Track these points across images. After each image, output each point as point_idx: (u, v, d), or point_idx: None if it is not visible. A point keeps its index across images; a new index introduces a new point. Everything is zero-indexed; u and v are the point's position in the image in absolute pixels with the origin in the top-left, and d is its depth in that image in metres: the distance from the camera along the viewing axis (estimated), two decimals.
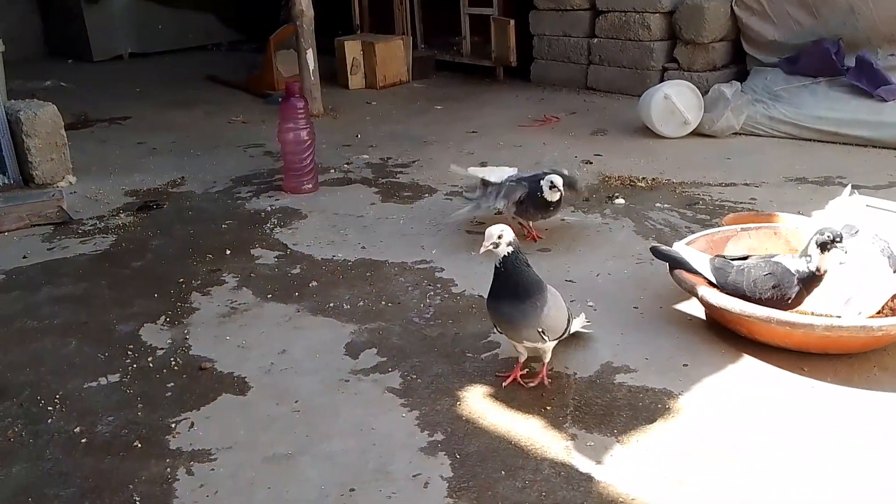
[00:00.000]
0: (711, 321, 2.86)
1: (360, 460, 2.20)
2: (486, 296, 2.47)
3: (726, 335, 2.76)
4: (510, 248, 2.33)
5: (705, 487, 2.06)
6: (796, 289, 2.60)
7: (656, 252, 2.94)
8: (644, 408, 2.39)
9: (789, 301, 2.61)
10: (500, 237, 2.31)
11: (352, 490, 2.09)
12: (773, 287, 2.61)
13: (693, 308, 2.95)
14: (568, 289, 3.17)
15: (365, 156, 5.09)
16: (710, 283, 2.74)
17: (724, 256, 2.84)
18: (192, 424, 2.38)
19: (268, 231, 3.88)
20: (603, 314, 2.97)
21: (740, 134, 5.17)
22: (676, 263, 2.83)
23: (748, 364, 2.62)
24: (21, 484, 2.13)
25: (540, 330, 2.40)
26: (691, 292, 2.74)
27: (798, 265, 2.61)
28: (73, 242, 3.79)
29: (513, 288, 2.36)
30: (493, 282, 2.40)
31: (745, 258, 2.78)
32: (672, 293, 3.03)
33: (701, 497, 2.03)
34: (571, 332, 2.62)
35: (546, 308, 2.38)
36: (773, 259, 2.69)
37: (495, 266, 2.36)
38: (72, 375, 2.65)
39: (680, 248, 2.88)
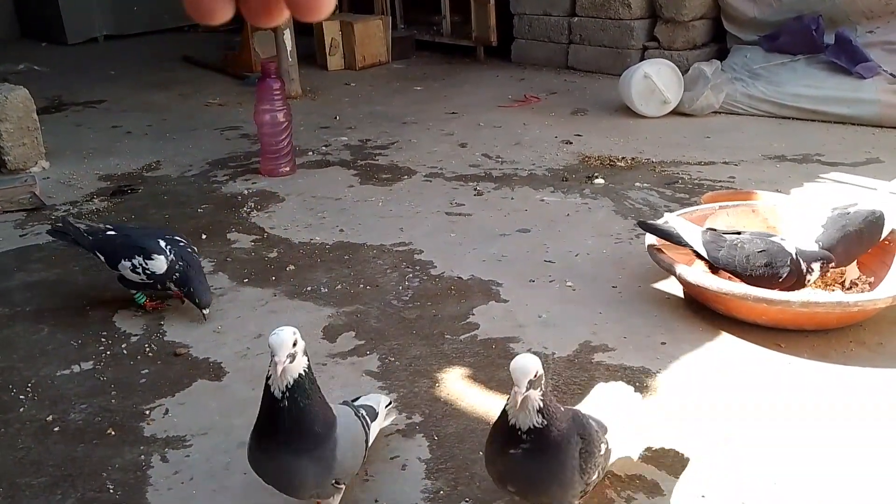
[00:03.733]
0: (690, 299, 2.86)
1: None
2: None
3: (704, 313, 2.76)
4: (305, 363, 1.69)
5: (681, 463, 2.06)
6: (787, 269, 2.59)
7: (644, 226, 2.91)
8: None
9: (780, 280, 2.60)
10: (294, 345, 1.65)
11: None
12: (766, 265, 2.60)
13: (671, 286, 2.95)
14: (547, 269, 3.16)
15: (343, 137, 5.04)
16: (699, 257, 2.73)
17: (715, 230, 2.82)
18: (167, 411, 2.36)
19: (244, 215, 3.84)
20: (581, 293, 2.97)
21: (720, 112, 5.16)
22: (665, 236, 2.80)
23: (726, 341, 2.62)
24: None
25: (335, 481, 1.80)
26: (669, 270, 2.74)
27: (801, 245, 2.62)
28: (46, 228, 3.73)
29: (299, 428, 1.68)
30: (262, 418, 1.73)
31: (738, 233, 2.76)
32: (650, 272, 3.03)
33: (676, 471, 2.03)
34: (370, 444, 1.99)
35: (342, 449, 1.76)
36: (769, 237, 2.69)
37: (271, 395, 1.68)
38: (44, 363, 2.61)
39: (672, 220, 2.84)
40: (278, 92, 4.21)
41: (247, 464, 2.04)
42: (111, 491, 2.03)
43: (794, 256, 2.59)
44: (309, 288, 3.08)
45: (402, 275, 3.17)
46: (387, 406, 2.14)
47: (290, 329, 1.66)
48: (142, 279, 2.81)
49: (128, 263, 2.79)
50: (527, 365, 1.64)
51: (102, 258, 2.85)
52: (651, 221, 2.93)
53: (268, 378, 1.69)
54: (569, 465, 1.71)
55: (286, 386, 1.66)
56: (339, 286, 3.09)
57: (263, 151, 4.33)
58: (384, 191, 4.11)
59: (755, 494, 1.95)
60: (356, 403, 2.01)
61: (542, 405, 1.66)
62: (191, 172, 4.47)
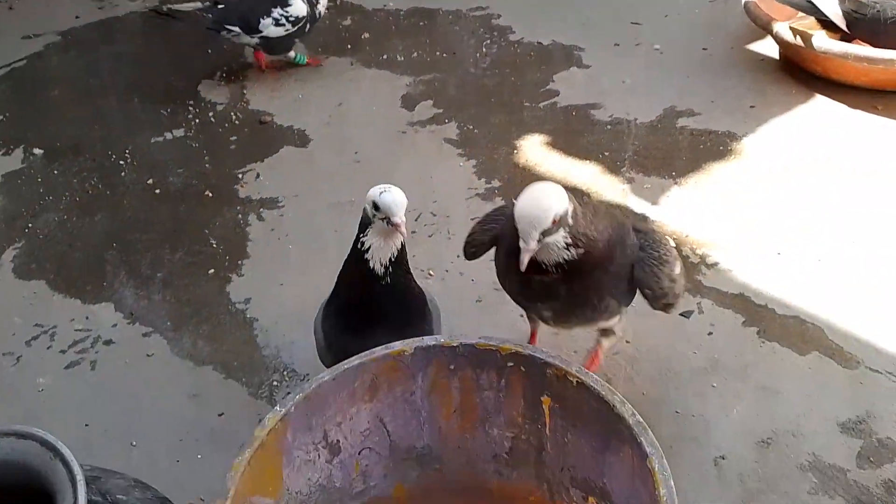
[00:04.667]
0: (785, 61, 2.71)
1: (421, 205, 2.25)
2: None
3: (799, 75, 2.63)
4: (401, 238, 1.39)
5: (762, 224, 2.07)
6: None
7: None
8: (705, 150, 2.36)
9: None
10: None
11: (413, 232, 2.16)
12: None
13: (767, 47, 2.79)
14: (633, 32, 3.02)
15: None
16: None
17: None
18: (258, 175, 2.46)
19: None
20: (669, 57, 2.85)
21: None
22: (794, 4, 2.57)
23: (820, 104, 2.51)
24: (105, 230, 2.28)
25: None
26: (766, 29, 2.57)
27: None
28: (124, 1, 3.72)
29: (400, 307, 1.44)
30: (351, 299, 1.46)
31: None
32: (746, 32, 2.86)
33: (755, 232, 2.04)
34: None
35: (436, 321, 1.54)
36: None
37: (369, 271, 1.40)
38: (138, 131, 2.72)
39: None
40: None
41: (338, 223, 2.16)
42: (214, 246, 2.19)
43: None
44: (385, 56, 3.04)
45: (479, 41, 3.08)
46: None
47: (395, 187, 1.37)
48: (287, 30, 2.79)
49: (269, 20, 2.76)
50: (534, 211, 1.24)
51: (238, 28, 2.79)
52: None
53: (364, 250, 1.39)
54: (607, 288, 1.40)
55: (390, 259, 1.39)
56: (415, 54, 3.04)
57: None
58: None
59: (832, 252, 1.96)
60: None
61: (571, 240, 1.30)
62: None
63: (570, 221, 1.28)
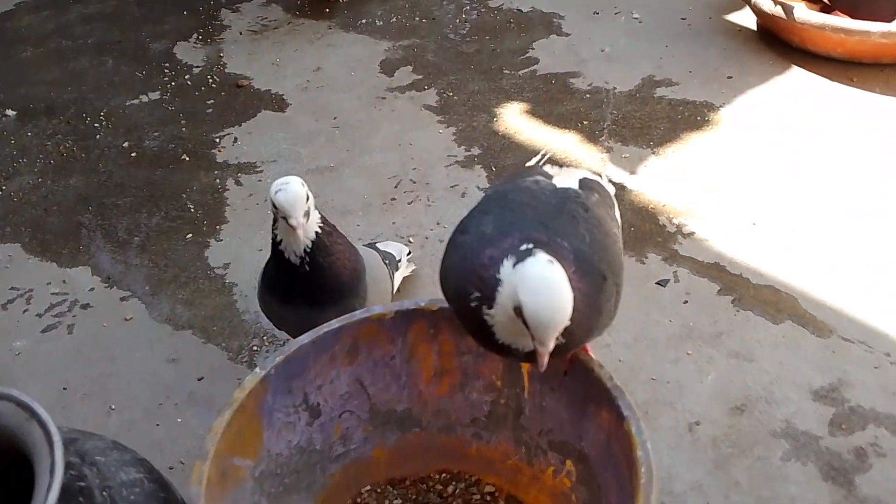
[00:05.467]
0: (763, 31, 2.72)
1: (401, 172, 2.25)
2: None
3: (777, 46, 2.64)
4: (318, 218, 1.38)
5: (738, 193, 2.09)
6: None
7: None
8: (683, 120, 2.37)
9: None
10: (307, 199, 1.33)
11: (392, 199, 2.16)
12: None
13: (745, 18, 2.80)
14: (611, 0, 3.01)
15: None
16: None
17: None
18: (236, 139, 2.44)
19: None
20: (648, 26, 2.84)
21: None
22: None
23: (796, 75, 2.53)
24: (81, 193, 2.25)
25: None
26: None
27: None
28: None
29: (324, 288, 1.41)
30: (278, 280, 1.45)
31: None
32: (723, 2, 2.87)
33: (731, 202, 2.07)
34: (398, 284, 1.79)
35: (371, 300, 1.48)
36: None
37: (286, 261, 1.39)
38: (113, 93, 2.68)
39: None
40: None
41: (318, 188, 2.13)
42: (192, 210, 2.17)
43: None
44: (364, 21, 3.01)
45: (458, 6, 3.05)
46: (408, 256, 1.86)
47: (296, 180, 1.31)
48: None
49: None
50: (555, 316, 0.95)
51: None
52: None
53: (277, 242, 1.37)
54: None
55: (304, 250, 1.36)
56: (394, 19, 3.01)
57: None
58: None
59: (806, 222, 1.99)
60: (378, 248, 1.75)
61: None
62: None
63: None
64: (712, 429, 1.53)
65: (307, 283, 1.39)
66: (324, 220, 1.39)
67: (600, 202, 1.21)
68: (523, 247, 0.99)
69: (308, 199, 1.32)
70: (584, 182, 1.25)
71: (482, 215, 1.12)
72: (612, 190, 1.34)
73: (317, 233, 1.36)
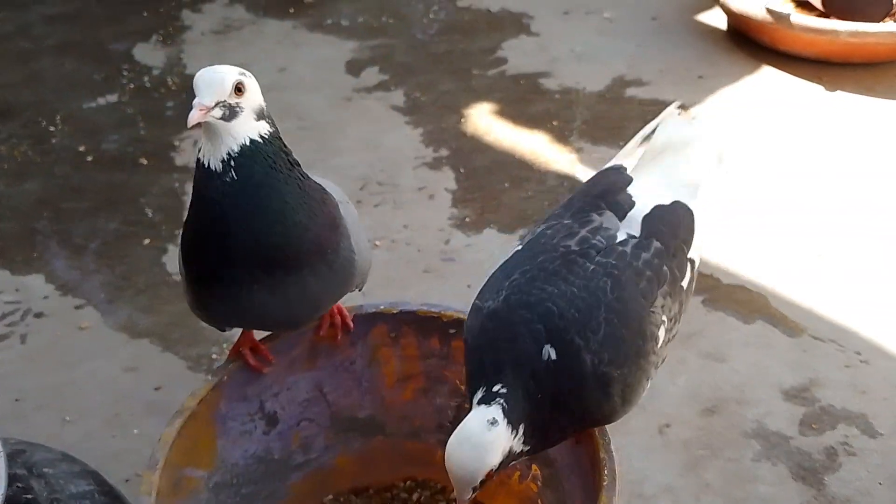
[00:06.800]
0: (733, 31, 2.72)
1: (368, 174, 2.21)
2: None
3: (747, 46, 2.64)
4: (266, 129, 1.00)
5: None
6: None
7: None
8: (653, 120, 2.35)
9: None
10: (239, 91, 0.96)
11: (359, 201, 2.11)
12: None
13: (715, 18, 2.80)
14: (582, 0, 2.99)
15: None
16: None
17: None
18: (196, 141, 2.37)
19: None
20: (619, 26, 2.83)
21: None
22: None
23: (767, 75, 2.53)
24: (37, 198, 2.18)
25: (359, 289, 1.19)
26: None
27: None
28: None
29: (271, 219, 0.99)
30: (198, 225, 1.03)
31: None
32: (694, 2, 2.86)
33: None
34: None
35: (357, 243, 1.12)
36: None
37: (205, 170, 0.98)
38: (71, 95, 2.60)
39: None
40: None
41: None
42: (150, 215, 2.11)
43: None
44: (330, 21, 2.97)
45: (427, 6, 3.02)
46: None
47: (233, 69, 0.97)
48: None
49: None
50: (462, 474, 0.92)
51: None
52: None
53: (198, 155, 0.99)
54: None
55: (227, 153, 0.96)
56: (361, 18, 2.97)
57: None
58: None
59: (777, 222, 1.98)
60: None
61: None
62: None
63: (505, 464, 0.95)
64: (684, 430, 1.50)
65: (246, 216, 0.96)
66: (276, 139, 1.00)
67: (657, 271, 1.05)
68: (496, 387, 0.92)
69: (241, 91, 0.96)
70: (656, 230, 1.06)
71: (504, 279, 1.00)
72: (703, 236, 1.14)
73: (254, 140, 0.97)
